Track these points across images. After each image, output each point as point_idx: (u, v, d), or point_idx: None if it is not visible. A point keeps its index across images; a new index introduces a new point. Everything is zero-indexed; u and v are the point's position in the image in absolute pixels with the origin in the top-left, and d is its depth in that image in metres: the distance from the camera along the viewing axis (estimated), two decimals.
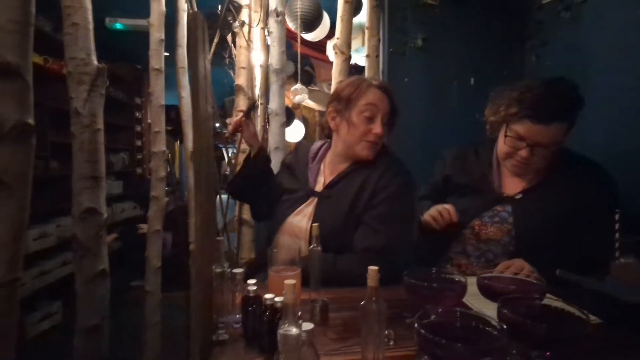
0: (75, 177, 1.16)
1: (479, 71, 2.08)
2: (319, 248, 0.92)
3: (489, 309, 0.65)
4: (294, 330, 0.49)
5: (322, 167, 1.28)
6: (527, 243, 1.11)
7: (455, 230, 1.24)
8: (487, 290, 0.73)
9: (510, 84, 1.19)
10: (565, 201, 1.11)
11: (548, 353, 0.53)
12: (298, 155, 1.36)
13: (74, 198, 1.16)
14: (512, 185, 1.22)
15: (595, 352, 0.71)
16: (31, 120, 0.80)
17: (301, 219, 1.19)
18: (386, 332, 0.74)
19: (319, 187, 1.24)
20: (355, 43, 2.43)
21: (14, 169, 0.77)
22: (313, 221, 1.16)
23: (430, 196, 1.38)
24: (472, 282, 0.77)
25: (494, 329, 0.49)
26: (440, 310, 0.56)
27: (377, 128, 1.16)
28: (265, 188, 1.36)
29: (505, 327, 0.47)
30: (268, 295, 0.72)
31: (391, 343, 0.75)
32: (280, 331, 0.50)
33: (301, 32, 2.21)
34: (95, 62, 1.18)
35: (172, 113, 2.96)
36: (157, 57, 1.73)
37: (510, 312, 0.52)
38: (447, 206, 1.23)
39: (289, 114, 2.73)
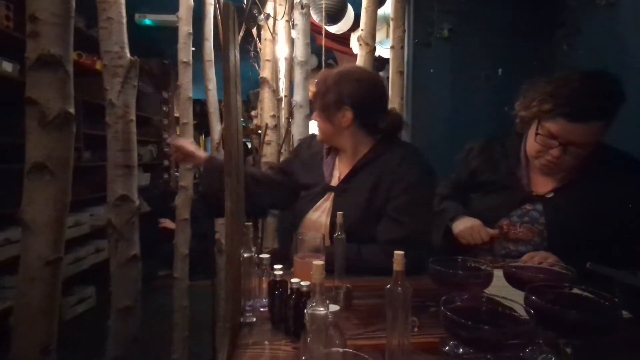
0: (110, 166, 1.21)
1: (507, 61, 2.03)
2: (343, 237, 0.93)
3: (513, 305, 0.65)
4: (321, 310, 0.51)
5: (336, 161, 1.27)
6: (561, 244, 1.05)
7: (488, 247, 1.19)
8: (514, 279, 0.72)
9: (544, 75, 1.12)
10: (602, 200, 1.04)
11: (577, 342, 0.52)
12: (312, 149, 1.34)
13: (108, 185, 1.21)
14: (543, 183, 1.15)
15: (627, 346, 0.70)
16: (72, 109, 0.84)
17: (320, 214, 1.20)
18: (411, 319, 0.75)
19: (334, 182, 1.23)
20: (379, 35, 2.41)
21: (56, 154, 0.81)
22: (331, 217, 1.16)
23: (454, 195, 1.33)
24: (496, 275, 0.76)
25: (521, 315, 0.49)
26: (465, 296, 0.56)
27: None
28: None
29: (532, 311, 0.47)
30: (294, 280, 0.74)
31: (415, 330, 0.76)
32: (309, 310, 0.52)
33: (325, 24, 2.21)
34: (128, 55, 1.23)
35: (197, 107, 3.03)
36: (185, 50, 1.77)
37: (538, 299, 0.52)
38: (478, 226, 1.16)
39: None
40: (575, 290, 0.59)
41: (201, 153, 1.28)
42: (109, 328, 1.22)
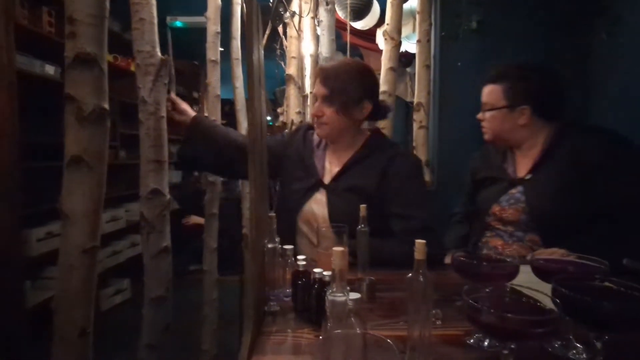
0: (142, 161, 1.26)
1: (539, 53, 1.94)
2: (367, 229, 0.93)
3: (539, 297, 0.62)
4: (341, 296, 0.51)
5: (327, 155, 1.31)
6: (540, 218, 1.18)
7: None
8: (542, 272, 0.70)
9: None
10: (566, 169, 1.16)
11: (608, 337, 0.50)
12: (306, 142, 1.35)
13: (141, 180, 1.27)
14: (523, 168, 1.28)
15: None
16: (106, 105, 0.88)
17: (317, 206, 1.23)
18: (434, 311, 0.74)
19: (327, 176, 1.27)
20: (405, 30, 2.38)
21: (92, 148, 0.86)
22: (330, 210, 1.20)
23: (462, 217, 1.48)
24: (524, 271, 0.74)
25: (547, 305, 0.47)
26: (489, 287, 0.55)
27: (313, 109, 1.27)
28: (218, 146, 1.39)
29: (558, 301, 0.45)
30: (317, 270, 0.75)
31: (438, 323, 0.75)
32: (329, 297, 0.52)
33: (351, 20, 2.21)
34: (159, 54, 1.27)
35: (227, 107, 3.10)
36: (213, 49, 1.82)
37: (567, 289, 0.50)
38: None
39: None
40: (607, 284, 0.56)
41: (191, 112, 1.40)
42: (143, 316, 1.27)
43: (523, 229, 1.22)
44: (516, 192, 1.25)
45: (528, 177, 1.24)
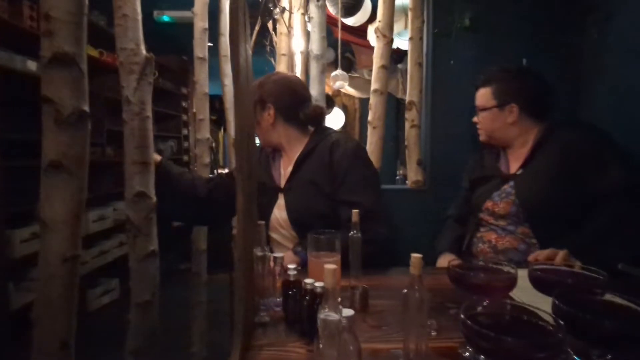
0: (127, 162, 1.22)
1: (532, 51, 1.93)
2: (359, 235, 0.91)
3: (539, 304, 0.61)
4: (334, 316, 0.49)
5: (281, 162, 1.39)
6: (530, 207, 1.23)
7: None
8: (540, 283, 0.68)
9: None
10: (555, 161, 1.21)
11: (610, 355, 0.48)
12: (262, 158, 1.44)
13: (126, 182, 1.22)
14: (515, 165, 1.34)
15: None
16: (86, 107, 0.84)
17: (279, 211, 1.30)
18: (429, 322, 0.72)
19: (283, 181, 1.34)
20: (397, 26, 2.35)
21: (72, 152, 0.82)
22: (287, 210, 1.26)
23: (457, 217, 1.51)
24: (520, 276, 0.72)
25: (548, 324, 0.46)
26: (487, 301, 0.53)
27: None
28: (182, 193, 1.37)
29: (561, 321, 0.43)
30: (308, 280, 0.72)
31: (433, 334, 0.73)
32: (321, 316, 0.50)
33: (342, 16, 2.17)
34: (143, 52, 1.22)
35: (216, 103, 3.05)
36: (201, 46, 1.77)
37: (567, 306, 0.48)
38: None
39: (329, 102, 2.72)
40: (608, 297, 0.54)
41: (157, 156, 1.30)
42: (129, 322, 1.23)
43: (514, 222, 1.27)
44: (507, 187, 1.31)
45: (519, 172, 1.31)
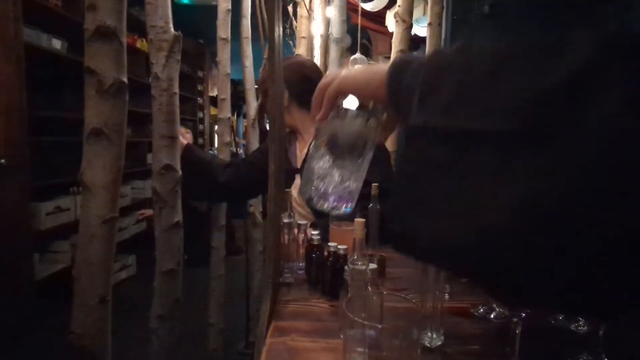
0: (155, 137, 1.28)
1: (551, 40, 1.93)
2: (378, 207, 0.95)
3: None
4: (362, 265, 0.54)
5: (297, 145, 1.46)
6: None
7: None
8: None
9: None
10: None
11: None
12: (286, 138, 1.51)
13: (153, 155, 1.28)
14: None
15: None
16: (125, 79, 0.90)
17: (295, 191, 1.35)
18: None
19: (299, 163, 1.41)
20: (416, 12, 2.35)
21: (112, 121, 0.88)
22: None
23: None
24: None
25: None
26: None
27: None
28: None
29: None
30: (332, 243, 0.77)
31: (446, 297, 0.78)
32: (350, 266, 0.55)
33: (361, 1, 2.19)
34: (172, 30, 1.27)
35: (232, 87, 3.07)
36: (224, 27, 1.81)
37: None
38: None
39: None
40: None
41: (184, 140, 1.45)
42: (154, 289, 1.31)
43: None
44: None
45: None
